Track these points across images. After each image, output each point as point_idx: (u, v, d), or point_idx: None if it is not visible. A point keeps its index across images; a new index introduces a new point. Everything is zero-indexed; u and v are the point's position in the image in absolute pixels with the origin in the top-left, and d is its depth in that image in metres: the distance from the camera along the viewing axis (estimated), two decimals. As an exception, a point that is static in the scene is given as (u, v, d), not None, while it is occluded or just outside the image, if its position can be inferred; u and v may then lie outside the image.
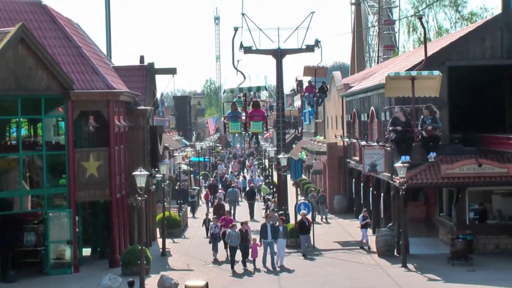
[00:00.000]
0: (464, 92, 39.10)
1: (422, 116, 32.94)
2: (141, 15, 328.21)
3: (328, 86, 51.43)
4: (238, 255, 35.89)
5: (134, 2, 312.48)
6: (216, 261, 37.17)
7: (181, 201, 53.22)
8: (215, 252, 37.76)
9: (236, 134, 43.40)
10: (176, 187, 58.35)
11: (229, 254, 36.73)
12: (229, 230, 36.07)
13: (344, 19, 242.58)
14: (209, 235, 40.82)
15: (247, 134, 44.26)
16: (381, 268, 34.11)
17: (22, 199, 33.36)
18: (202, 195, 65.49)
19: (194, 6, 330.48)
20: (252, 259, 35.79)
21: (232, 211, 54.65)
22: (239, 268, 35.19)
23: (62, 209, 34.18)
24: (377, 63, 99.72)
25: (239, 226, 36.89)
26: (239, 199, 61.96)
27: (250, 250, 35.70)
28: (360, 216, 40.02)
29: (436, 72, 33.37)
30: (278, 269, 34.79)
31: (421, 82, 33.16)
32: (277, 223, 36.37)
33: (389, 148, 38.41)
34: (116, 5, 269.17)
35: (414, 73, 33.29)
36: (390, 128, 32.68)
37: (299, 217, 39.21)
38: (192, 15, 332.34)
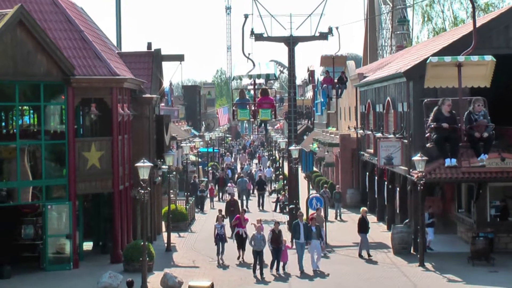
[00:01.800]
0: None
1: (467, 112, 26.26)
2: (152, 6, 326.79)
3: (346, 76, 48.09)
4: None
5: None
6: (220, 266, 33.93)
7: (188, 193, 51.54)
8: (219, 256, 34.61)
9: (245, 122, 42.41)
10: (192, 181, 56.20)
11: (241, 255, 34.83)
12: (253, 232, 32.62)
13: (356, 10, 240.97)
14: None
15: (256, 122, 42.88)
16: (397, 267, 32.40)
17: (19, 190, 31.68)
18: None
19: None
20: (282, 262, 32.34)
21: (245, 202, 54.61)
22: (266, 273, 31.72)
23: (61, 202, 32.46)
24: (390, 53, 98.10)
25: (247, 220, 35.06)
26: (252, 191, 59.64)
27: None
28: (426, 214, 35.95)
29: (489, 57, 27.13)
30: (318, 272, 31.83)
31: (469, 70, 27.05)
32: (309, 223, 33.52)
33: (406, 141, 36.70)
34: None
35: (461, 58, 26.92)
36: (433, 125, 25.32)
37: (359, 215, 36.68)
38: (203, 4, 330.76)
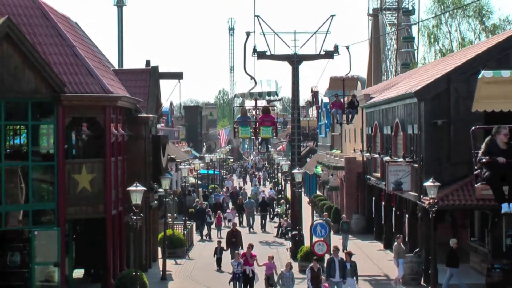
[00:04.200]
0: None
1: None
2: (155, 27, 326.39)
3: (358, 100, 45.17)
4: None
5: (146, 13, 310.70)
6: None
7: (187, 218, 49.18)
8: None
9: (247, 141, 41.45)
10: (198, 207, 52.66)
11: None
12: (282, 269, 29.79)
13: (360, 32, 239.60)
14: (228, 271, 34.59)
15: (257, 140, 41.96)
16: (408, 301, 30.34)
17: (3, 214, 29.58)
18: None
19: (208, 18, 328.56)
20: None
21: (251, 222, 54.66)
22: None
23: (49, 227, 30.36)
24: (395, 75, 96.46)
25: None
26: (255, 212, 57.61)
27: None
28: None
29: None
30: None
31: None
32: (345, 258, 30.07)
33: (416, 165, 34.70)
34: (130, 17, 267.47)
35: None
36: (485, 159, 18.78)
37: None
38: (207, 26, 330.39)
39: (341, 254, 31.65)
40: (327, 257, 33.71)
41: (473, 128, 21.78)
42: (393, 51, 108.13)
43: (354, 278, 29.94)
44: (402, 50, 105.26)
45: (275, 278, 30.49)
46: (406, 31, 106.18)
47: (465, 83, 33.31)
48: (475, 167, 19.72)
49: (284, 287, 28.95)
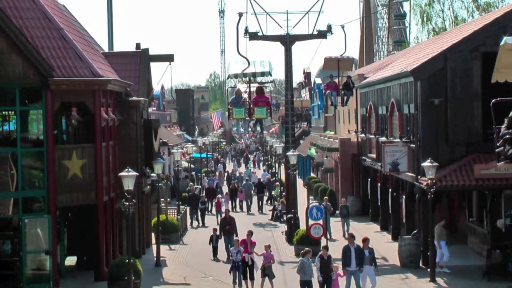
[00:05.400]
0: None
1: None
2: (145, 10, 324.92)
3: (353, 82, 44.52)
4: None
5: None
6: None
7: (181, 203, 48.45)
8: (235, 285, 30.30)
9: (240, 122, 42.44)
10: (191, 192, 51.40)
11: None
12: (301, 257, 27.71)
13: (351, 14, 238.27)
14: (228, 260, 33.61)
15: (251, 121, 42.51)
16: (407, 284, 29.77)
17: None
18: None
19: (198, 0, 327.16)
20: None
21: (248, 204, 55.43)
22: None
23: (40, 215, 29.71)
24: (387, 55, 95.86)
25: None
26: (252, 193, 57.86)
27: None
28: None
29: None
30: None
31: None
32: (362, 246, 28.01)
33: (413, 145, 34.09)
34: (119, 0, 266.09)
35: None
36: (508, 135, 17.67)
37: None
38: (197, 8, 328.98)
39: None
40: (323, 241, 33.12)
41: (493, 100, 20.14)
42: (385, 30, 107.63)
43: (373, 265, 28.24)
44: (394, 27, 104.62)
45: (273, 269, 29.59)
46: (397, 9, 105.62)
47: (462, 61, 32.72)
48: (497, 144, 18.21)
49: (306, 276, 27.18)
